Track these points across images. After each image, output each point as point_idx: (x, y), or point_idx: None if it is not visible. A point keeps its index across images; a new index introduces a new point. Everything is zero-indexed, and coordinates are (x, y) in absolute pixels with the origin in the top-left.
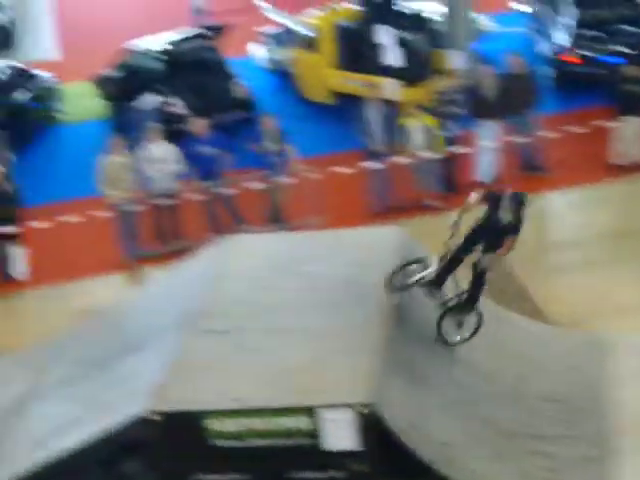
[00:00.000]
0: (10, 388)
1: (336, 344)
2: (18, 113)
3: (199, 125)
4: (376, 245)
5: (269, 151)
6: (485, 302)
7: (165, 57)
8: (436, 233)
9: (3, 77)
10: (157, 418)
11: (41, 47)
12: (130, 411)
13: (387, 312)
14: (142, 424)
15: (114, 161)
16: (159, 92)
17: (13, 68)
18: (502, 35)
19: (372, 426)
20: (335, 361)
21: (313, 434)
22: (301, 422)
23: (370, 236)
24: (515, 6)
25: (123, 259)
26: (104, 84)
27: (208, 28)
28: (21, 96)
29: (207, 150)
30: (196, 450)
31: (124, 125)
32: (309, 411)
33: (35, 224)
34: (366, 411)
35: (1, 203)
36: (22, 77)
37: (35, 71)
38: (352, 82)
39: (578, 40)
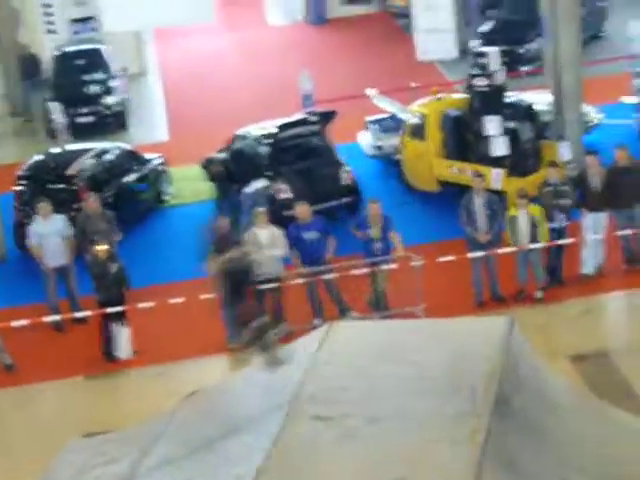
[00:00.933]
0: (114, 467)
1: (438, 434)
2: (127, 195)
3: (304, 210)
4: (481, 335)
5: (373, 238)
6: (588, 396)
7: (272, 141)
8: (540, 325)
9: (114, 159)
10: None
11: (151, 130)
12: None
13: (491, 403)
14: None
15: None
16: (266, 177)
17: (123, 150)
18: (611, 127)
19: None
20: (437, 451)
21: None
22: None
23: (475, 325)
24: (625, 99)
25: (227, 342)
26: (211, 166)
27: (316, 114)
28: (130, 178)
29: (312, 235)
30: None
31: (230, 208)
32: None
33: (141, 305)
34: None
35: (108, 283)
36: (132, 159)
37: (144, 154)
38: (458, 171)
39: None
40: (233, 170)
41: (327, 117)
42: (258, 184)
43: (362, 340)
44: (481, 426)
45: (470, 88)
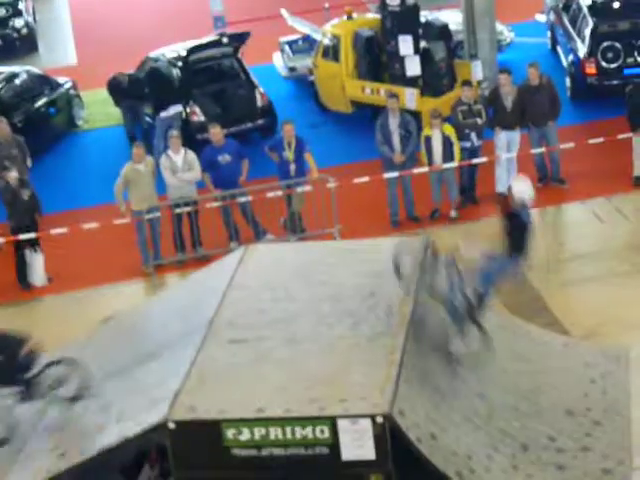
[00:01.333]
0: None
1: (355, 355)
2: (38, 119)
3: (217, 133)
4: None
5: (288, 159)
6: (502, 313)
7: (184, 64)
8: (453, 243)
9: (23, 83)
10: (175, 426)
11: (60, 53)
12: (149, 419)
13: (407, 323)
14: (160, 432)
15: (135, 168)
16: (180, 100)
17: (33, 74)
18: (524, 45)
19: (390, 436)
20: (354, 372)
21: (331, 444)
22: (320, 432)
23: (390, 247)
24: (538, 17)
25: (142, 266)
26: (119, 87)
27: (229, 36)
28: (40, 102)
29: (225, 158)
30: (214, 459)
31: (143, 133)
32: (328, 421)
33: (54, 231)
34: (384, 421)
35: (21, 210)
36: (42, 83)
37: (54, 77)
38: (371, 91)
39: (596, 51)
40: (148, 91)
41: (240, 39)
42: (174, 108)
43: (278, 262)
44: (397, 345)
45: (383, 8)
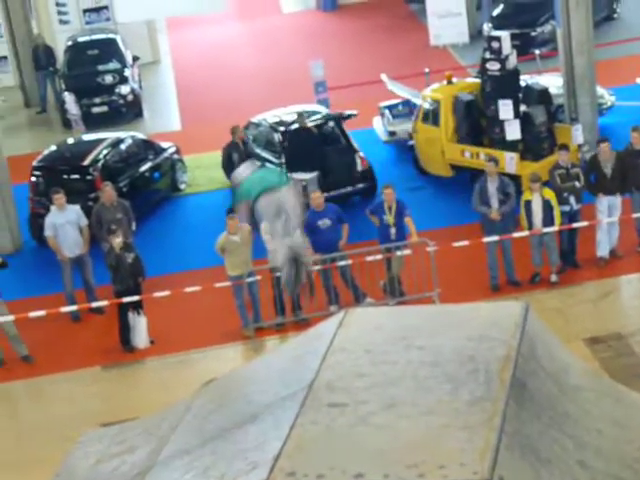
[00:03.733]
0: (132, 456)
1: (455, 420)
2: (142, 184)
3: (318, 198)
4: (497, 319)
5: (388, 223)
6: (603, 378)
7: (286, 129)
8: (556, 308)
9: (128, 148)
10: None
11: (164, 119)
12: None
13: (507, 388)
14: None
15: (230, 239)
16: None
17: (137, 139)
18: (625, 109)
19: None
20: (453, 437)
21: None
22: None
23: (491, 310)
24: (639, 80)
25: (242, 329)
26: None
27: (334, 117)
28: (145, 167)
29: (326, 223)
30: None
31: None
32: None
33: (157, 294)
34: None
35: (125, 273)
36: (146, 148)
37: (159, 143)
38: (471, 155)
39: None
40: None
41: (345, 119)
42: (310, 174)
43: (378, 326)
44: (497, 411)
45: (483, 72)
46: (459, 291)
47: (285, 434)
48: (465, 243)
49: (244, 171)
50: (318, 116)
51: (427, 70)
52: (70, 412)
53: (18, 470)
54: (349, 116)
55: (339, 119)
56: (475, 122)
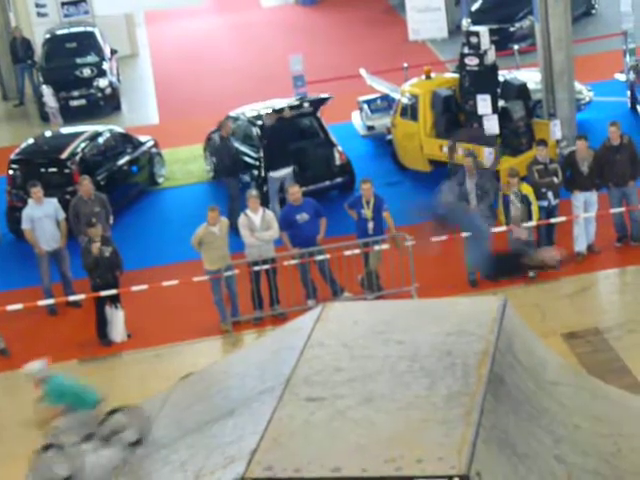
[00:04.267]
0: (109, 450)
1: (432, 414)
2: (120, 177)
3: (296, 192)
4: (475, 314)
5: (366, 218)
6: (580, 374)
7: (264, 123)
8: (533, 303)
9: (106, 142)
10: None
11: (142, 112)
12: (226, 477)
13: (484, 383)
14: None
15: (210, 231)
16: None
17: (115, 133)
18: (603, 104)
19: None
20: (431, 431)
21: None
22: None
23: (468, 305)
24: (617, 76)
25: (220, 323)
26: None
27: (309, 101)
28: (123, 160)
29: (303, 217)
30: None
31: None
32: None
33: (134, 287)
34: None
35: (101, 267)
36: (124, 142)
37: (136, 136)
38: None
39: None
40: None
41: (320, 103)
42: (286, 170)
43: (355, 321)
44: (474, 405)
45: (461, 67)
46: (437, 286)
47: (262, 428)
48: (443, 238)
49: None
50: (296, 111)
51: (406, 65)
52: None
53: None
54: (325, 99)
55: (316, 103)
56: (453, 117)
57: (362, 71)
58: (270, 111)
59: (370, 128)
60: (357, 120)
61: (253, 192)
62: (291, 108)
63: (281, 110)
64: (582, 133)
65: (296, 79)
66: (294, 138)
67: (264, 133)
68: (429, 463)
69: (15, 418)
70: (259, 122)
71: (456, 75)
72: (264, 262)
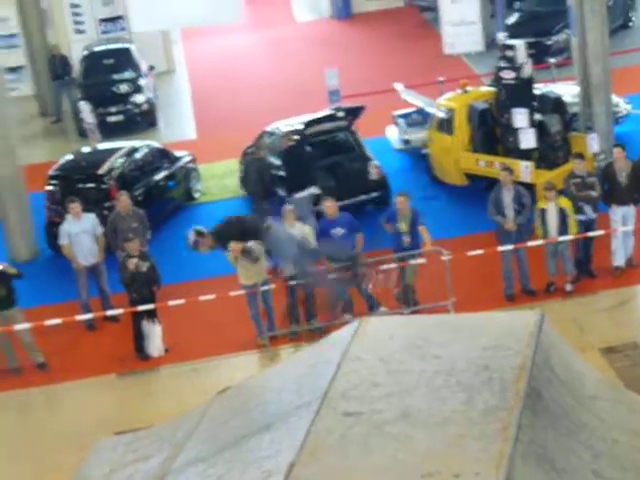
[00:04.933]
0: (146, 465)
1: (469, 429)
2: (157, 192)
3: (331, 206)
4: (512, 328)
5: (402, 232)
6: (617, 387)
7: (300, 138)
8: (571, 318)
9: (144, 157)
10: None
11: (179, 128)
12: None
13: (522, 398)
14: None
15: (245, 246)
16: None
17: (152, 148)
18: None
19: None
20: (468, 446)
21: None
22: None
23: (505, 320)
24: None
25: (256, 338)
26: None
27: (344, 110)
28: (160, 176)
29: (339, 231)
30: None
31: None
32: None
33: (171, 302)
34: None
35: (139, 282)
36: (161, 157)
37: (173, 152)
38: (486, 164)
39: None
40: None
41: (355, 112)
42: (311, 189)
43: (392, 335)
44: (512, 420)
45: (497, 81)
46: (474, 300)
47: (300, 443)
48: (480, 252)
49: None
50: (332, 124)
51: (441, 79)
52: (84, 420)
53: (33, 478)
54: (360, 109)
55: (351, 112)
56: (490, 131)
57: (397, 85)
58: (283, 134)
59: (406, 142)
60: (392, 134)
61: (289, 207)
62: (325, 118)
63: (297, 132)
64: (619, 143)
65: (332, 93)
66: (328, 153)
67: (283, 157)
68: (466, 478)
69: (54, 431)
70: (295, 137)
71: (492, 89)
72: (300, 277)
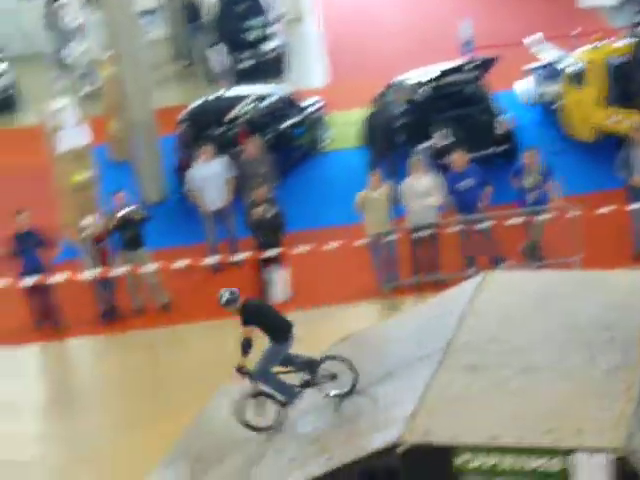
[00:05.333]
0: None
1: (591, 387)
2: (285, 139)
3: (460, 158)
4: (637, 286)
5: (530, 186)
6: None
7: (430, 89)
8: None
9: (273, 104)
10: (407, 448)
11: (309, 75)
12: (381, 439)
13: None
14: (391, 453)
15: (370, 196)
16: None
17: (282, 95)
18: None
19: (624, 472)
20: (590, 404)
21: (561, 477)
22: (551, 464)
23: (632, 279)
24: None
25: (379, 287)
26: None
27: (476, 61)
28: (288, 123)
29: (467, 184)
30: None
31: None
32: (561, 453)
33: (296, 249)
34: (619, 456)
35: (265, 228)
36: (290, 104)
37: (303, 99)
38: (619, 120)
39: None
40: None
41: (487, 65)
42: (436, 140)
43: (516, 290)
44: (635, 380)
45: (635, 35)
46: (601, 258)
47: (420, 394)
48: (609, 209)
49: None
50: (461, 76)
51: (576, 32)
52: (207, 362)
53: (154, 419)
54: (492, 60)
55: (483, 64)
56: (624, 86)
57: (531, 38)
58: (410, 85)
59: (537, 96)
60: (522, 88)
61: (417, 157)
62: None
63: (426, 83)
64: None
65: (465, 44)
66: (457, 105)
67: (409, 108)
68: (588, 436)
69: (178, 372)
70: (424, 88)
71: (628, 43)
72: (426, 228)
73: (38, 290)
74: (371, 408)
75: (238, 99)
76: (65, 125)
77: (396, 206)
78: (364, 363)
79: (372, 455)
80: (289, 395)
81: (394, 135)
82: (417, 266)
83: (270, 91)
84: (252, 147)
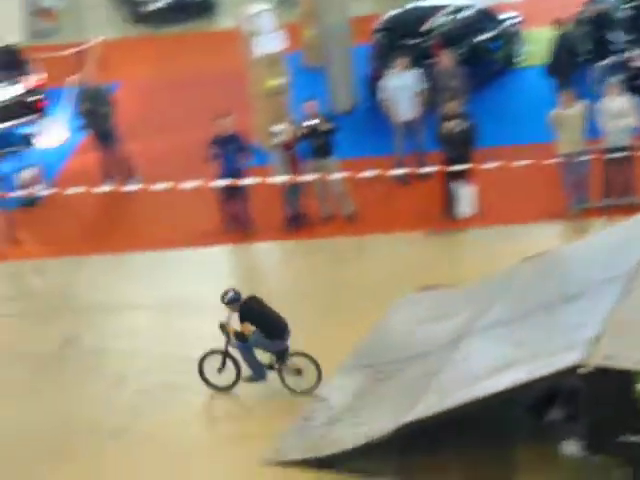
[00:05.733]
0: (448, 323)
1: None
2: (479, 53)
3: None
4: None
5: None
6: None
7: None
8: None
9: (469, 17)
10: (590, 371)
11: None
12: (564, 361)
13: None
14: (573, 375)
15: (563, 113)
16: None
17: (478, 9)
18: None
19: None
20: None
21: None
22: None
23: None
24: None
25: (568, 208)
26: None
27: None
28: (484, 37)
29: None
30: (623, 409)
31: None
32: None
33: (485, 165)
34: None
35: (455, 142)
36: (486, 18)
37: (499, 13)
38: None
39: None
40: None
41: None
42: (615, 57)
43: None
44: None
45: None
46: None
47: (605, 317)
48: None
49: None
50: None
51: None
52: (389, 272)
53: (334, 325)
54: None
55: None
56: None
57: None
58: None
59: None
60: None
61: (613, 79)
62: None
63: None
64: None
65: None
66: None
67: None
68: None
69: (362, 281)
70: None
71: None
72: (620, 150)
73: (232, 194)
74: (555, 329)
75: (435, 10)
76: (261, 30)
77: (590, 126)
78: (549, 283)
79: (556, 374)
80: (258, 374)
81: (578, 54)
82: (609, 189)
83: (468, 3)
84: (446, 60)
